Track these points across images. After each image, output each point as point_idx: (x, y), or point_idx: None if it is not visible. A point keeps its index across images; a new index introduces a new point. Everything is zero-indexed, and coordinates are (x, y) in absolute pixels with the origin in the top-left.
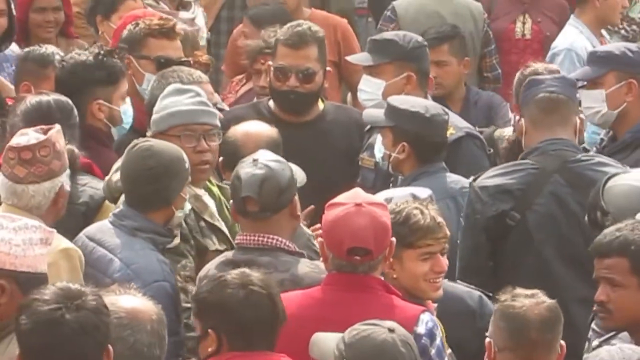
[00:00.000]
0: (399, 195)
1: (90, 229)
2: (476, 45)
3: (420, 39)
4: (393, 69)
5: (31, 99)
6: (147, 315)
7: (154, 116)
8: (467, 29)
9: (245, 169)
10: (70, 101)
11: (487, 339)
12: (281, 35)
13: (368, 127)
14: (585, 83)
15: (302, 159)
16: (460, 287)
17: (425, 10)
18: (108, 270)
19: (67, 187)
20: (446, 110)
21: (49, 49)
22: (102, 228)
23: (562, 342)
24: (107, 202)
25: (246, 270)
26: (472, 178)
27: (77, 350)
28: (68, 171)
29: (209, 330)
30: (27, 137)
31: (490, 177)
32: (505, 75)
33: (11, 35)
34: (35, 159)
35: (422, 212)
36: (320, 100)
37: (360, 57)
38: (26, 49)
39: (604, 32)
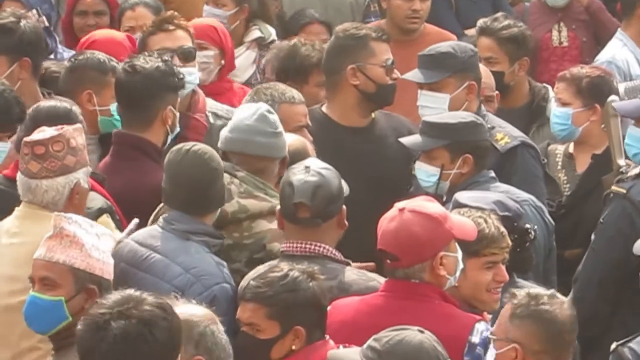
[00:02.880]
0: (503, 198)
1: (139, 235)
2: (356, 17)
3: (472, 47)
4: (455, 81)
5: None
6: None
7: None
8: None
9: (298, 175)
10: (68, 109)
11: (512, 345)
12: (371, 33)
13: None
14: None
15: (359, 164)
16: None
17: None
18: (166, 275)
19: (85, 185)
20: (495, 119)
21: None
22: (152, 233)
23: None
24: None
25: (293, 265)
26: (622, 189)
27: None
28: (88, 169)
29: (298, 328)
30: (42, 133)
31: None
32: (545, 83)
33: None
34: (49, 153)
35: (486, 221)
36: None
37: (415, 75)
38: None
39: None
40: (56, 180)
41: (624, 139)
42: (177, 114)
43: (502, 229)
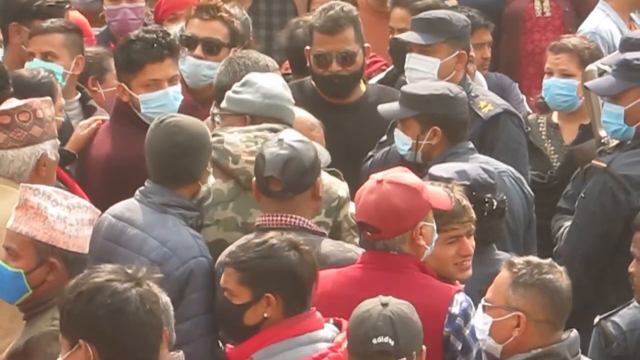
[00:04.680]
0: (471, 168)
1: (117, 208)
2: None
3: (466, 18)
4: (447, 47)
5: None
6: None
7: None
8: None
9: (270, 148)
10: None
11: (515, 313)
12: (315, 22)
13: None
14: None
15: (344, 141)
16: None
17: None
18: (143, 249)
19: (52, 157)
20: (479, 88)
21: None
22: (129, 207)
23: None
24: None
25: (282, 234)
26: (602, 163)
27: (143, 328)
28: (56, 141)
29: (268, 295)
30: (9, 103)
31: (629, 165)
32: (529, 53)
33: None
34: (14, 123)
35: (448, 196)
36: (362, 81)
37: (411, 36)
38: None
39: (633, 15)
40: (22, 150)
41: None
42: (134, 93)
43: (465, 202)
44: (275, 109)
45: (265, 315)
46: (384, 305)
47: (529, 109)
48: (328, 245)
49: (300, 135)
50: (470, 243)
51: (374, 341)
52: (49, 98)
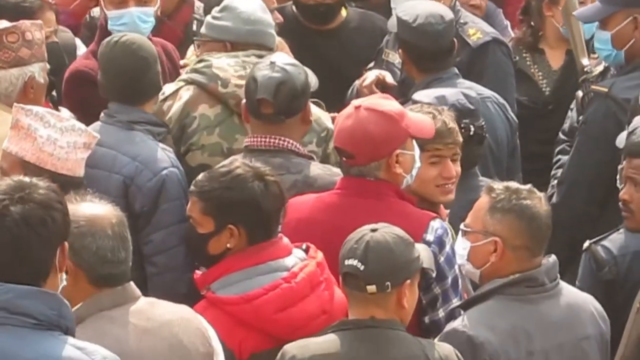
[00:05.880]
0: (450, 93)
1: None
2: None
3: None
4: None
5: None
6: (106, 219)
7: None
8: None
9: (262, 71)
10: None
11: (492, 238)
12: None
13: None
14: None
15: (325, 67)
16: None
17: None
18: (114, 167)
19: (40, 80)
20: (469, 15)
21: None
22: (95, 128)
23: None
24: None
25: (248, 162)
26: (603, 87)
27: (19, 244)
28: (44, 64)
29: (230, 226)
30: None
31: (630, 89)
32: None
33: None
34: (2, 44)
35: (434, 117)
36: (343, 7)
37: None
38: None
39: None
40: (9, 71)
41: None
42: (103, 8)
43: (452, 125)
44: (256, 35)
45: (229, 245)
46: (372, 231)
47: (512, 35)
48: (316, 169)
49: (291, 58)
50: (456, 168)
51: (346, 262)
52: (39, 21)
